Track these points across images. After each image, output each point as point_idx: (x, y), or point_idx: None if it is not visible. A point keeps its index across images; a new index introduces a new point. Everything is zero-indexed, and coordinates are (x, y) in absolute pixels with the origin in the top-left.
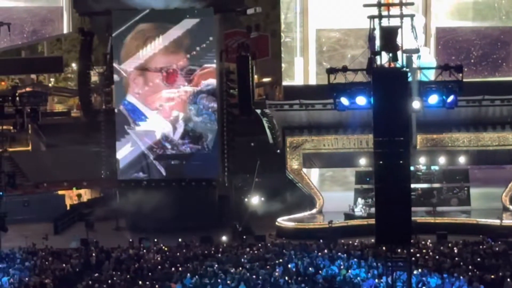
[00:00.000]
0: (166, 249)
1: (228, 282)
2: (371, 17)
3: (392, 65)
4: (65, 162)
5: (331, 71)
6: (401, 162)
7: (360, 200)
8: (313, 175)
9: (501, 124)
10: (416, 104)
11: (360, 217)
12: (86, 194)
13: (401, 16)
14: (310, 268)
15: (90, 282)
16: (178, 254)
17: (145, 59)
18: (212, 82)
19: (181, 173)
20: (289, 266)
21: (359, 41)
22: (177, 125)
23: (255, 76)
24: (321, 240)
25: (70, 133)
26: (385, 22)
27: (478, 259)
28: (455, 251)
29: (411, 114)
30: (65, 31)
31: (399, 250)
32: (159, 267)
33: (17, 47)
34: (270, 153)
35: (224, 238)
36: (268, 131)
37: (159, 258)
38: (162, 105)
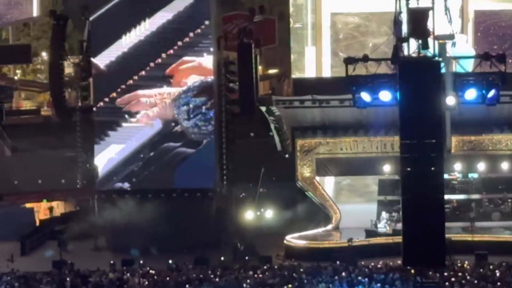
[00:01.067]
0: (154, 272)
1: None
2: None
3: (422, 54)
4: (34, 169)
5: (349, 61)
6: (432, 169)
7: (384, 214)
8: (328, 184)
9: None
10: (450, 100)
11: (384, 234)
12: (59, 208)
13: None
14: None
15: None
16: (168, 278)
17: (129, 48)
18: (199, 78)
19: (171, 182)
20: None
21: (382, 27)
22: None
23: (260, 67)
24: (338, 262)
25: (40, 135)
26: (413, 4)
27: None
28: (497, 274)
29: (444, 111)
30: (34, 14)
31: (430, 273)
32: None
33: None
34: (277, 158)
35: (222, 259)
36: (274, 132)
37: (146, 283)
38: (138, 112)
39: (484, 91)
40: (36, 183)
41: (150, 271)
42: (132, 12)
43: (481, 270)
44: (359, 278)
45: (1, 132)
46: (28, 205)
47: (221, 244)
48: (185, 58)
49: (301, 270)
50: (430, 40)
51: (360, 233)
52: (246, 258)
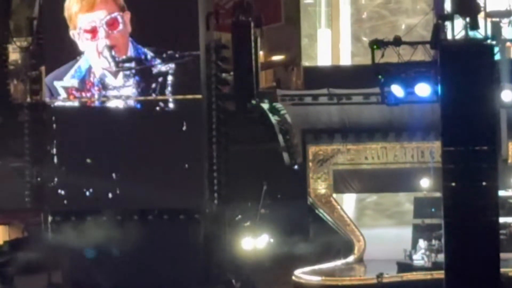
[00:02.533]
0: None
1: None
2: None
3: (470, 36)
4: None
5: (376, 43)
6: (484, 184)
7: (422, 243)
8: (349, 203)
9: None
10: (507, 96)
11: (422, 268)
12: (2, 233)
13: None
14: None
15: None
16: None
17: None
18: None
19: (148, 201)
20: None
21: (418, 3)
22: None
23: (261, 53)
24: None
25: None
26: None
27: None
28: None
29: (499, 110)
30: None
31: None
32: None
33: None
34: (283, 170)
35: None
36: (280, 136)
37: None
38: None
39: None
40: None
41: None
42: None
43: None
44: None
45: None
46: None
47: (211, 281)
48: None
49: None
50: (480, 19)
51: (390, 267)
52: None
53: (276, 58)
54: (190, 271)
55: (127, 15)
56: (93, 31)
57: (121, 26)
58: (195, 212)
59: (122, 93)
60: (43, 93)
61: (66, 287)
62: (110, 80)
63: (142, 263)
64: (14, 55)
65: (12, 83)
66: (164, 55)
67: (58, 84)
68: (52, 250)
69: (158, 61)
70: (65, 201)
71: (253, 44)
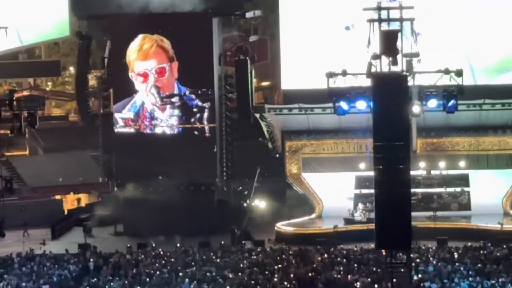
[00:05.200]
0: (164, 253)
1: (227, 287)
2: (371, 21)
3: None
4: (63, 166)
5: (330, 75)
6: (401, 166)
7: (360, 205)
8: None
9: (502, 128)
10: (416, 109)
11: (360, 222)
12: (84, 199)
13: (401, 20)
14: (309, 274)
15: (88, 287)
16: (176, 259)
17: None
18: None
19: (179, 177)
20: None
21: None
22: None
23: (254, 80)
24: (318, 246)
25: (67, 138)
26: (384, 27)
27: (479, 265)
28: (455, 256)
29: (411, 118)
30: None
31: (399, 255)
32: (157, 272)
33: (14, 51)
34: (269, 157)
35: (222, 243)
36: (267, 135)
37: (157, 264)
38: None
39: (444, 101)
40: (64, 178)
41: (161, 253)
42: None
43: (442, 252)
44: (338, 259)
45: (35, 135)
46: (57, 197)
47: (222, 230)
48: None
49: (290, 252)
50: (399, 58)
51: (339, 221)
52: (243, 242)
53: (264, 83)
54: (207, 223)
55: (175, 65)
56: (145, 76)
57: (167, 74)
58: (211, 184)
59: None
60: (111, 106)
61: (126, 235)
62: (158, 114)
63: (175, 218)
64: (92, 82)
65: (91, 100)
66: (200, 92)
67: (118, 116)
68: (116, 210)
69: (193, 96)
70: (125, 178)
71: (249, 74)
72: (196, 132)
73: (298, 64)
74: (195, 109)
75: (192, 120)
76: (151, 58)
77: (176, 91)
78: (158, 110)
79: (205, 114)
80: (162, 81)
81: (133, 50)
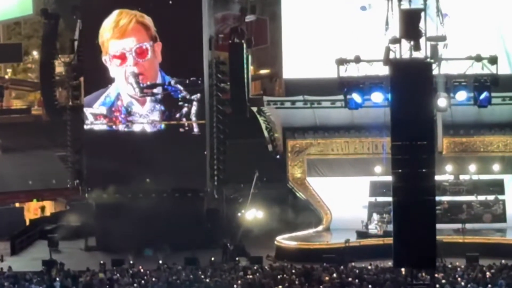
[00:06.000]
0: (144, 272)
1: None
2: None
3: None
4: (24, 169)
5: (341, 61)
6: (424, 170)
7: (375, 216)
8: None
9: None
10: (442, 102)
11: (375, 235)
12: (49, 207)
13: None
14: None
15: None
16: (158, 278)
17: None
18: None
19: (162, 182)
20: None
21: None
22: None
23: (251, 68)
24: (324, 264)
25: (30, 135)
26: (405, 5)
27: None
28: (488, 276)
29: (436, 113)
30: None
31: (421, 275)
32: None
33: None
34: (268, 159)
35: (212, 259)
36: (265, 133)
37: (135, 284)
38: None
39: (476, 93)
40: (26, 182)
41: (140, 271)
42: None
43: (472, 272)
44: (349, 279)
45: None
46: (18, 204)
47: (212, 245)
48: None
49: (293, 271)
50: (422, 41)
51: (351, 235)
52: (237, 258)
53: (263, 72)
54: (195, 236)
55: (159, 46)
56: (122, 58)
57: (149, 55)
58: (200, 191)
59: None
60: (81, 98)
61: (98, 249)
62: (137, 108)
63: (157, 230)
64: (59, 68)
65: (58, 90)
66: (187, 81)
67: (88, 111)
68: (88, 221)
69: (179, 87)
70: (98, 183)
71: (245, 61)
72: (181, 130)
73: (302, 49)
74: (181, 103)
75: (178, 115)
76: (130, 36)
77: (159, 80)
78: (136, 103)
79: (193, 109)
80: (143, 64)
81: (107, 28)
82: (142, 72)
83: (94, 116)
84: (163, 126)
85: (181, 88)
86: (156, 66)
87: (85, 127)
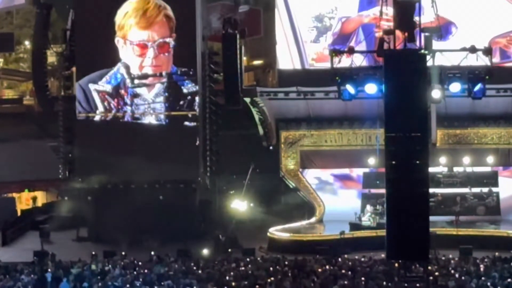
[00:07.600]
0: (136, 263)
1: None
2: None
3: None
4: (16, 159)
5: (334, 52)
6: (417, 162)
7: (369, 207)
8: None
9: None
10: (436, 94)
11: (369, 227)
12: (41, 198)
13: None
14: None
15: None
16: (150, 270)
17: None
18: None
19: (154, 173)
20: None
21: None
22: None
23: (244, 59)
24: (317, 256)
25: (22, 125)
26: None
27: (509, 279)
28: (482, 269)
29: (430, 105)
30: (16, 2)
31: (414, 267)
32: (128, 286)
33: None
34: (261, 150)
35: (205, 251)
36: (259, 124)
37: (127, 275)
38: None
39: (470, 85)
40: (18, 173)
41: (133, 262)
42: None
43: (465, 264)
44: (343, 271)
45: None
46: (9, 195)
47: (204, 236)
48: None
49: (285, 263)
50: (416, 33)
51: (344, 226)
52: (229, 250)
53: (256, 62)
54: (187, 228)
55: (173, 38)
56: (142, 47)
57: (170, 50)
58: (192, 182)
59: (152, 107)
60: (74, 88)
61: (90, 240)
62: (143, 91)
63: (149, 221)
64: (51, 58)
65: (50, 80)
66: (191, 72)
67: (92, 87)
68: (80, 212)
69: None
70: (90, 173)
71: (238, 51)
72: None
73: (296, 40)
74: (185, 91)
75: (180, 104)
76: (155, 28)
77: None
78: (144, 87)
79: (197, 99)
80: (162, 58)
81: (132, 13)
82: (160, 65)
83: (99, 93)
84: (162, 117)
85: (185, 77)
86: (171, 58)
87: (78, 118)
